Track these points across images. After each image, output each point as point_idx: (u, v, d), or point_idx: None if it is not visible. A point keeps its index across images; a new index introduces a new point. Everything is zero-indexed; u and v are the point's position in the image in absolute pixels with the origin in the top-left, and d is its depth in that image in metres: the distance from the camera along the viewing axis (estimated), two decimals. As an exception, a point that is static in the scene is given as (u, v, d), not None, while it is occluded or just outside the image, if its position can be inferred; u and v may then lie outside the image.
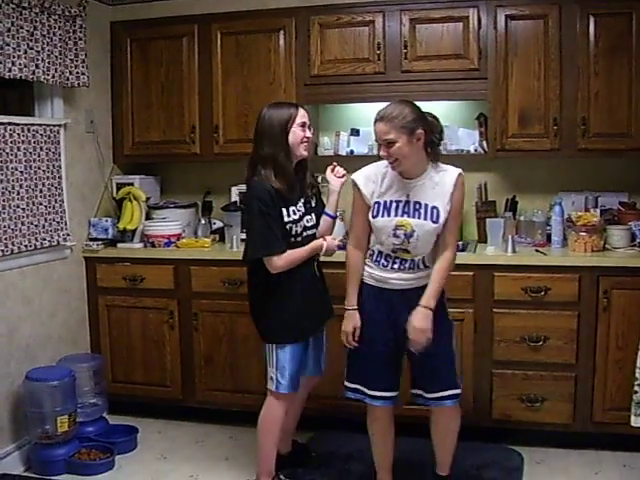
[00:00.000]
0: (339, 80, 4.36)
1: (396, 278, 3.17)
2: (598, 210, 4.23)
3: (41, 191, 4.09)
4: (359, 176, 3.22)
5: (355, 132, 4.67)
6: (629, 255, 3.92)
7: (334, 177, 3.55)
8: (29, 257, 4.03)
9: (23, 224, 3.94)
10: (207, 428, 4.34)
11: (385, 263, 3.18)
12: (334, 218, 3.55)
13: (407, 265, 3.15)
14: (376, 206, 3.15)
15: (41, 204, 4.08)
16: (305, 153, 3.36)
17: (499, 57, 4.12)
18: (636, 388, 3.29)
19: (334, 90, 4.40)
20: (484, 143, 4.36)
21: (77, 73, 4.21)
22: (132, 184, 4.67)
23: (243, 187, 4.54)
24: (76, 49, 4.20)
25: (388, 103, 3.09)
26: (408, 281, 3.17)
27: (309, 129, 3.36)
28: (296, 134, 3.28)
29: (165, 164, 5.00)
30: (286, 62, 4.42)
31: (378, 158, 4.15)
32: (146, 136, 4.72)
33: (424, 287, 3.12)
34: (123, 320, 4.50)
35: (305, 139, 3.33)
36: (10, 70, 3.73)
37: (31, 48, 3.86)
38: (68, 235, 4.30)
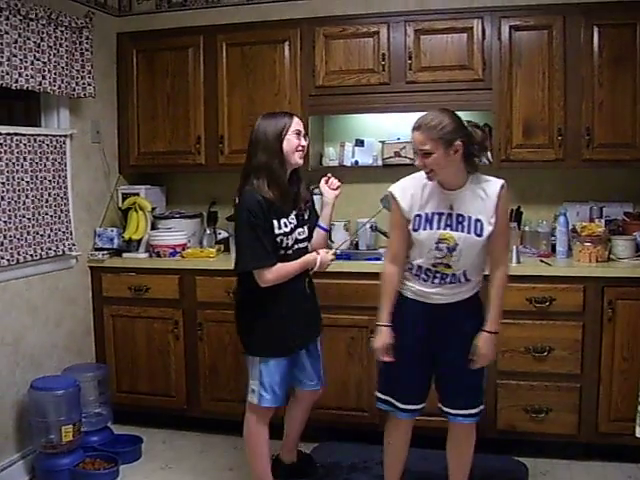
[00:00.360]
0: (344, 91, 4.37)
1: (437, 293, 3.06)
2: (603, 220, 4.23)
3: (47, 201, 4.10)
4: (397, 188, 3.09)
5: (360, 143, 4.68)
6: (634, 265, 3.91)
7: (328, 189, 3.54)
8: (35, 267, 4.04)
9: (29, 234, 3.96)
10: (211, 438, 4.34)
11: (425, 278, 3.07)
12: (327, 231, 3.54)
13: (448, 280, 3.04)
14: (417, 219, 3.02)
15: (47, 214, 4.10)
16: (300, 161, 3.32)
17: (503, 68, 4.14)
18: (641, 399, 3.29)
19: (339, 101, 4.41)
20: (489, 154, 4.36)
21: (83, 84, 4.24)
22: (138, 194, 4.69)
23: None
24: (82, 60, 4.22)
25: (426, 112, 2.97)
26: (449, 296, 3.06)
27: (304, 137, 3.33)
28: (291, 142, 3.24)
29: (171, 174, 5.02)
30: (291, 73, 4.44)
31: (381, 168, 4.17)
32: (152, 146, 4.74)
33: (466, 301, 3.07)
34: (128, 330, 4.50)
35: (300, 147, 3.28)
36: (17, 81, 3.75)
37: (38, 59, 3.89)
38: (74, 245, 4.31)
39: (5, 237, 3.78)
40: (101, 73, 4.53)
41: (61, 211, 4.22)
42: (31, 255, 3.96)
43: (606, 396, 3.84)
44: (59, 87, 4.05)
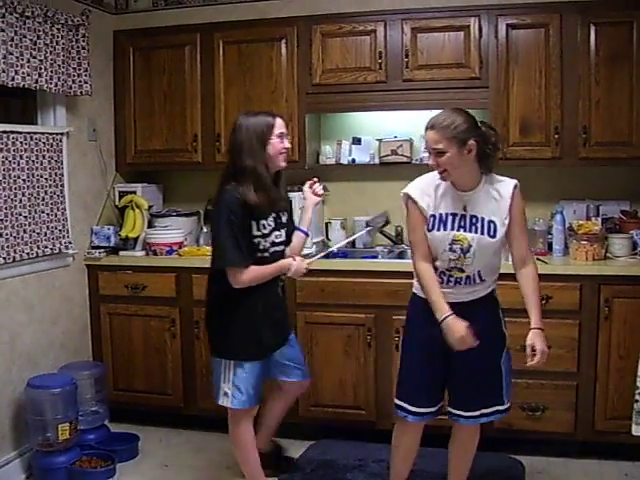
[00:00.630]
0: (341, 89, 4.37)
1: (451, 293, 3.02)
2: (599, 219, 4.24)
3: (43, 199, 4.10)
4: (414, 189, 3.05)
5: (357, 141, 4.68)
6: (630, 264, 3.92)
7: (311, 194, 3.53)
8: (31, 265, 4.04)
9: (25, 232, 3.95)
10: (208, 436, 4.34)
11: (440, 280, 3.03)
12: (307, 234, 3.53)
13: (462, 282, 3.03)
14: (432, 219, 3.00)
15: (43, 212, 4.09)
16: (284, 164, 3.29)
17: (500, 66, 4.13)
18: (637, 397, 3.28)
19: (336, 99, 4.41)
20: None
21: (80, 82, 4.23)
22: (134, 192, 4.69)
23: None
24: (79, 58, 4.22)
25: (441, 110, 2.95)
26: (463, 294, 3.04)
27: (287, 139, 3.30)
28: (275, 146, 3.20)
29: (167, 172, 5.02)
30: (288, 71, 4.43)
31: (379, 167, 4.18)
32: (148, 144, 4.73)
33: (480, 299, 3.05)
34: (125, 328, 4.50)
35: (284, 150, 3.25)
36: (13, 79, 3.74)
37: (34, 57, 3.88)
38: (70, 243, 4.31)
39: (1, 235, 3.78)
40: (98, 71, 4.53)
41: (57, 209, 4.21)
42: (27, 253, 3.95)
43: (602, 394, 3.85)
44: (55, 85, 4.05)
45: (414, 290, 3.19)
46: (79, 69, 4.22)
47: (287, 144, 3.27)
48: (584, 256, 3.95)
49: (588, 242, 3.95)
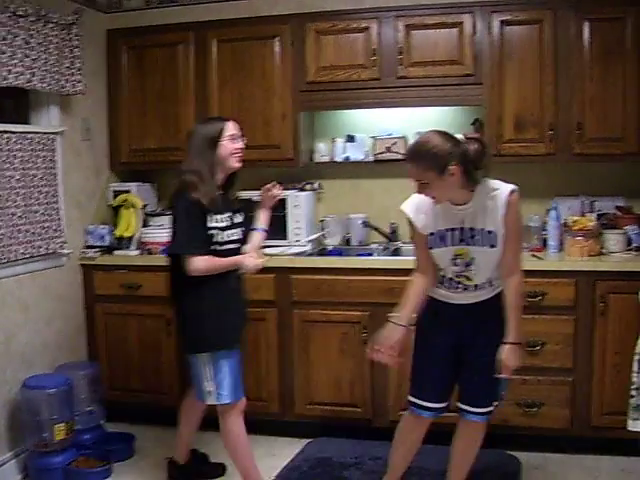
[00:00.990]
0: (334, 87, 4.37)
1: (461, 297, 3.07)
2: (594, 215, 4.24)
3: (37, 199, 4.08)
4: (409, 208, 3.07)
5: (351, 138, 4.68)
6: (625, 259, 3.93)
7: (267, 196, 3.59)
8: (25, 265, 4.02)
9: (19, 232, 3.94)
10: (204, 435, 4.30)
11: (448, 285, 3.08)
12: (266, 232, 3.59)
13: (471, 288, 3.05)
14: (431, 237, 3.02)
15: (37, 212, 4.08)
16: (237, 165, 3.36)
17: (494, 62, 4.13)
18: (633, 392, 3.29)
19: (329, 96, 4.41)
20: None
21: (73, 81, 4.22)
22: (129, 191, 4.68)
23: (240, 194, 4.55)
24: (72, 57, 4.21)
25: (418, 137, 2.96)
26: (474, 298, 3.06)
27: (240, 140, 3.36)
28: (226, 147, 3.29)
29: (161, 171, 4.99)
30: (282, 69, 4.43)
31: (373, 164, 4.18)
32: (142, 143, 4.72)
33: (490, 299, 3.05)
34: (120, 327, 4.50)
35: (236, 150, 3.32)
36: (6, 78, 3.73)
37: (27, 56, 3.86)
38: (64, 243, 4.30)
39: (-5, 235, 3.77)
40: (91, 70, 4.52)
41: (52, 209, 4.20)
42: (22, 253, 3.94)
43: (598, 390, 3.85)
44: (49, 84, 4.03)
45: (430, 292, 3.18)
46: (72, 68, 4.21)
47: (240, 145, 3.35)
48: (579, 252, 3.95)
49: (583, 238, 3.96)
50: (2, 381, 3.84)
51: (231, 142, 3.31)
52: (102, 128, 4.78)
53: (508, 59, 4.12)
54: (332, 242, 4.69)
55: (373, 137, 4.58)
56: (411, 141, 4.46)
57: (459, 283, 3.04)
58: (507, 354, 2.95)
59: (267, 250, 4.19)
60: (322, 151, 4.74)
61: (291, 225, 4.44)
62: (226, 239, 3.33)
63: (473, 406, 3.13)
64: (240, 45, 4.48)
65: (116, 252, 4.55)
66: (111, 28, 4.74)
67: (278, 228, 4.37)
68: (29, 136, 4.02)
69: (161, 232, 4.53)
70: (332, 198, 4.80)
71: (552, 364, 3.87)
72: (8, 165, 3.85)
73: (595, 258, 3.94)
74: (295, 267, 4.18)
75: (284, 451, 4.11)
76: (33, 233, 4.04)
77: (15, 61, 3.78)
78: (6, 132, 3.85)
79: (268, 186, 3.58)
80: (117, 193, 4.70)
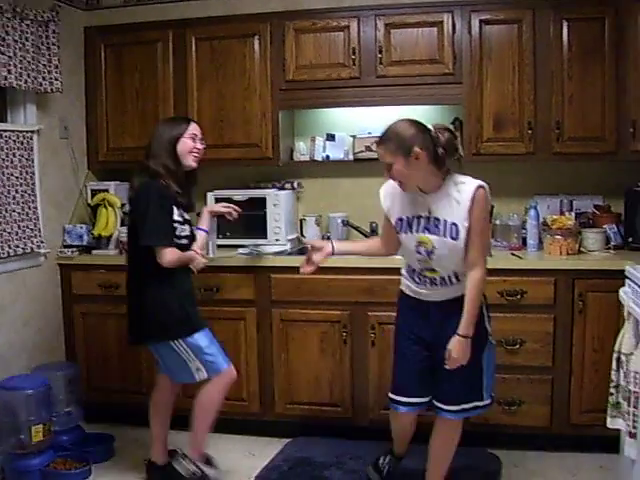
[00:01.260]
0: (314, 85, 4.36)
1: (430, 294, 3.12)
2: (573, 213, 4.27)
3: (14, 198, 4.04)
4: (382, 190, 3.23)
5: (331, 137, 4.67)
6: (604, 258, 3.95)
7: (223, 210, 3.76)
8: (2, 265, 3.99)
9: (-4, 231, 3.90)
10: (184, 435, 4.28)
11: (417, 280, 3.14)
12: (207, 232, 3.69)
13: (438, 282, 3.09)
14: (400, 222, 3.12)
15: (14, 211, 4.04)
16: (193, 164, 3.46)
17: (474, 62, 4.15)
18: (612, 390, 3.32)
19: (309, 95, 4.40)
20: (460, 148, 4.37)
21: (50, 79, 4.18)
22: (107, 190, 4.64)
23: (220, 193, 4.55)
24: (49, 54, 4.17)
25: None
26: (443, 295, 3.11)
27: (200, 142, 3.48)
28: (186, 144, 3.41)
29: (140, 170, 4.97)
30: (261, 67, 4.41)
31: (353, 163, 4.19)
32: (121, 142, 4.69)
33: (460, 298, 3.04)
34: (99, 327, 4.46)
35: (195, 150, 3.44)
36: (-18, 76, 3.70)
37: (3, 53, 3.83)
38: (42, 242, 4.26)
39: (-29, 235, 3.73)
40: (68, 68, 4.48)
41: (29, 208, 4.16)
42: (-2, 253, 3.91)
43: (577, 388, 3.87)
44: (25, 82, 4.00)
45: (401, 287, 3.28)
46: (49, 66, 4.17)
47: (199, 145, 3.47)
48: (558, 251, 3.97)
49: (562, 237, 3.98)
50: (-21, 382, 3.80)
51: (191, 141, 3.43)
52: (80, 126, 4.74)
53: (487, 58, 4.14)
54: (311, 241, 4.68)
55: (353, 136, 4.57)
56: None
57: (425, 277, 3.10)
58: (454, 346, 2.98)
59: (241, 250, 4.20)
60: (302, 150, 4.73)
61: (271, 224, 4.42)
62: (182, 234, 3.43)
63: (445, 403, 3.15)
64: (219, 43, 4.46)
65: (94, 251, 4.52)
66: (89, 25, 4.71)
67: (258, 227, 4.36)
68: (6, 134, 3.98)
69: (140, 231, 4.50)
70: (312, 197, 4.79)
71: (532, 362, 3.89)
72: (-16, 164, 3.82)
73: (574, 257, 3.96)
74: (275, 266, 4.17)
75: (264, 451, 4.10)
76: (10, 232, 4.00)
77: (-9, 58, 3.75)
78: (-18, 130, 3.81)
79: (231, 209, 3.74)
80: (95, 192, 4.66)
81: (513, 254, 4.06)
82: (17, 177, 4.07)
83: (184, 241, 3.46)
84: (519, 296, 3.85)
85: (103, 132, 4.73)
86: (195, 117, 4.49)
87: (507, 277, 3.87)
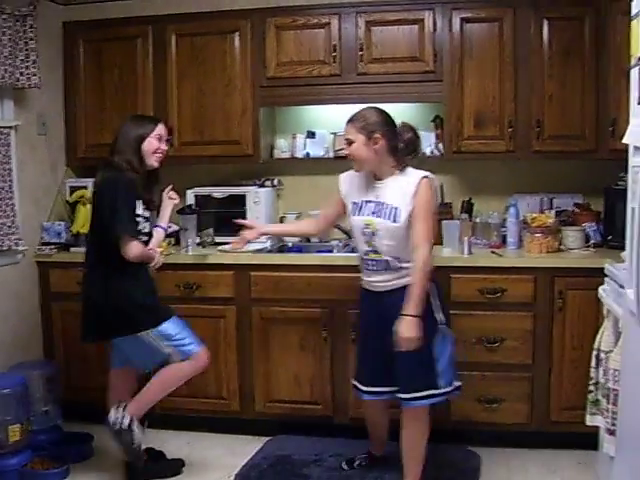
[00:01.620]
0: (295, 82, 4.35)
1: (377, 280, 3.34)
2: (553, 211, 4.28)
3: (-9, 194, 4.01)
4: (342, 176, 3.50)
5: (311, 134, 4.66)
6: (583, 256, 3.96)
7: (166, 197, 3.77)
8: (-21, 262, 3.95)
9: (-27, 228, 3.86)
10: (163, 434, 4.27)
11: (365, 266, 3.38)
12: (165, 230, 3.75)
13: (382, 267, 3.30)
14: (352, 206, 3.39)
15: (-9, 208, 4.00)
16: (155, 164, 3.50)
17: (454, 60, 4.15)
18: (591, 387, 3.34)
19: (290, 92, 4.39)
20: (440, 145, 4.39)
21: (28, 74, 4.14)
22: (86, 187, 4.57)
23: (200, 190, 4.54)
24: (27, 49, 4.13)
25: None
26: (390, 282, 3.30)
27: (165, 143, 3.52)
28: (151, 144, 3.45)
29: (119, 167, 4.93)
30: (242, 64, 4.39)
31: (333, 160, 4.21)
32: (100, 139, 4.62)
33: (402, 288, 3.21)
34: (77, 326, 4.36)
35: (159, 150, 3.48)
36: (-42, 71, 3.65)
37: (-21, 48, 3.79)
38: (20, 240, 4.21)
39: (-53, 232, 3.68)
40: (47, 63, 4.43)
41: (6, 205, 4.12)
42: (-25, 250, 3.87)
43: (557, 385, 3.89)
44: (2, 77, 3.95)
45: (360, 281, 3.49)
46: (27, 61, 4.13)
47: (163, 146, 3.51)
48: (538, 249, 3.98)
49: (542, 235, 3.99)
50: (-45, 381, 3.76)
51: (157, 141, 3.47)
52: (58, 123, 4.70)
53: (468, 56, 4.14)
54: (291, 239, 4.67)
55: (333, 133, 4.56)
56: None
57: (370, 260, 3.33)
58: (400, 325, 3.10)
59: (225, 247, 4.18)
60: (282, 147, 4.72)
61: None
62: (143, 230, 3.46)
63: (401, 392, 3.30)
64: (200, 40, 4.43)
65: (73, 249, 4.47)
66: (68, 20, 4.66)
67: (238, 224, 4.34)
68: (-18, 130, 3.94)
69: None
70: (292, 194, 4.78)
71: (511, 360, 3.90)
72: (-39, 160, 3.78)
73: (554, 255, 3.97)
74: (255, 264, 4.15)
75: (244, 449, 4.07)
76: (-13, 230, 3.96)
77: (-33, 53, 3.71)
78: (-42, 126, 3.77)
79: (167, 189, 3.76)
80: (74, 189, 4.60)
81: (493, 252, 4.07)
82: (-6, 173, 4.03)
83: (144, 237, 3.48)
84: (499, 294, 3.86)
85: (82, 128, 4.69)
86: (175, 114, 4.49)
87: (487, 275, 3.88)
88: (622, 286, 3.04)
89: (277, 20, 4.32)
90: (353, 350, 3.98)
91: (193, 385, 4.24)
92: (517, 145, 4.14)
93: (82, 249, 4.41)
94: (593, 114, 4.04)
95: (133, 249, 3.32)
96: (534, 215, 4.12)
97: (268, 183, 4.69)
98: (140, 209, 3.42)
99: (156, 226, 3.70)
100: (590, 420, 3.37)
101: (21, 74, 4.11)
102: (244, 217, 4.36)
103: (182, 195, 4.60)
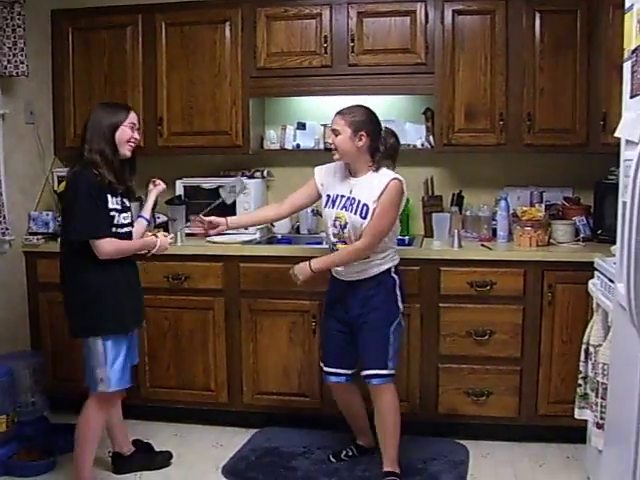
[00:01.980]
0: (285, 73, 4.32)
1: (346, 270, 3.48)
2: (543, 205, 4.28)
3: (-22, 184, 3.97)
4: (319, 168, 3.66)
5: (301, 126, 4.64)
6: (573, 250, 3.97)
7: (152, 186, 3.74)
8: (-35, 252, 3.92)
9: (-41, 218, 3.82)
10: (151, 425, 4.26)
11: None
12: (149, 221, 3.72)
13: None
14: (327, 198, 3.54)
15: (-22, 197, 3.97)
16: (128, 154, 3.37)
17: (446, 52, 4.13)
18: (580, 381, 3.34)
19: (280, 83, 4.36)
20: (431, 138, 4.38)
21: (16, 62, 4.10)
22: (74, 177, 4.56)
23: (188, 181, 4.52)
24: (15, 37, 4.09)
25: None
26: (357, 273, 3.46)
27: (137, 132, 3.42)
28: (125, 132, 3.32)
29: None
30: (232, 54, 4.36)
31: (323, 152, 4.19)
32: (88, 128, 4.60)
33: (371, 278, 3.45)
34: (64, 316, 4.38)
35: (132, 139, 3.36)
36: (-55, 58, 3.61)
37: (-33, 35, 3.75)
38: (7, 229, 4.18)
39: None
40: (35, 51, 4.39)
41: (-7, 194, 4.09)
42: (-39, 240, 3.83)
43: (546, 379, 3.89)
44: (-10, 65, 3.92)
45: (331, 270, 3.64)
46: (15, 49, 4.09)
47: (136, 135, 3.40)
48: (528, 242, 3.98)
49: (532, 228, 3.99)
50: (-60, 371, 3.73)
51: (130, 130, 3.35)
52: (46, 111, 4.66)
53: (460, 49, 4.13)
54: (281, 230, 4.66)
55: (324, 125, 4.54)
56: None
57: (337, 250, 3.48)
58: (299, 266, 3.47)
59: (216, 238, 4.16)
60: (272, 138, 4.70)
61: (240, 213, 4.38)
62: (122, 222, 3.37)
63: (364, 369, 3.46)
64: (190, 29, 4.40)
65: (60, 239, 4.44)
66: (56, 8, 4.61)
67: (227, 215, 4.31)
68: (-31, 119, 3.90)
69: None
70: (282, 186, 4.75)
71: (500, 353, 3.90)
72: (-53, 148, 3.74)
73: (544, 248, 3.97)
74: (244, 255, 4.13)
75: (232, 441, 4.07)
76: (-27, 219, 3.93)
77: (-46, 40, 3.66)
78: (-55, 114, 3.73)
79: (154, 179, 3.74)
80: (62, 179, 4.57)
81: (483, 245, 4.07)
82: (-19, 162, 3.99)
83: (126, 229, 3.39)
84: (488, 287, 3.86)
85: (70, 118, 4.65)
86: (164, 104, 4.47)
87: (477, 268, 3.88)
88: (612, 280, 3.04)
89: (268, 10, 4.29)
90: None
91: (181, 377, 4.25)
92: (508, 138, 4.14)
93: (70, 239, 4.40)
94: (584, 108, 4.04)
95: (103, 247, 3.20)
96: (524, 208, 4.12)
97: (258, 174, 4.67)
98: (113, 202, 3.29)
99: (140, 216, 3.66)
100: (579, 414, 3.37)
101: (9, 62, 4.07)
102: (233, 208, 4.33)
103: (171, 185, 4.58)
